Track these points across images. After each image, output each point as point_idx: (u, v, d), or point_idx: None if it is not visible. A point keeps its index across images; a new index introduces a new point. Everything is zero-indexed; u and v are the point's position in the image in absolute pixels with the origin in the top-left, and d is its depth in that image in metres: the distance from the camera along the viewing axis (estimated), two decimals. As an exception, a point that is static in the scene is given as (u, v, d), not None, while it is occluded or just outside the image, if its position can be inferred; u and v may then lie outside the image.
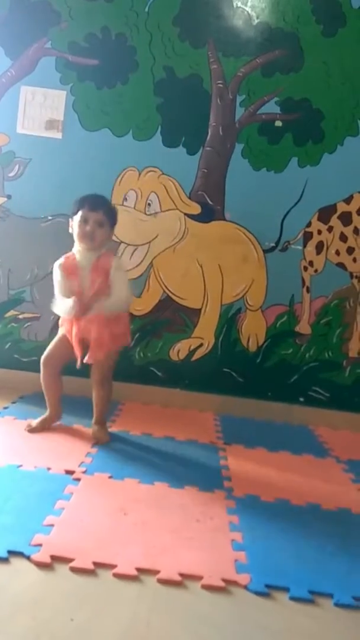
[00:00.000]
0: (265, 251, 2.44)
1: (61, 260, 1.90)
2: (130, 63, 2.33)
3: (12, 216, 2.41)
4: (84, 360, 1.86)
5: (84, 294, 1.85)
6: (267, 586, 1.21)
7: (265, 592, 1.20)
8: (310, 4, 2.29)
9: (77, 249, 1.89)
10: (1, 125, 2.37)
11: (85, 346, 1.87)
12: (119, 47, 2.32)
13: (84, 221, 1.84)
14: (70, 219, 1.90)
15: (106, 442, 1.91)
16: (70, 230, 1.90)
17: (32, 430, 1.93)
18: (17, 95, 2.35)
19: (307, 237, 2.43)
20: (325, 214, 2.42)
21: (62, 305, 1.85)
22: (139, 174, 2.39)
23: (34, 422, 1.96)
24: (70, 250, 1.92)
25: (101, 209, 1.85)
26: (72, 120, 2.35)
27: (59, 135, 2.37)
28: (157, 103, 2.35)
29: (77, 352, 1.87)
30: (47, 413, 1.99)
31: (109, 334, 1.86)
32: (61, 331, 1.96)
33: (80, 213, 1.84)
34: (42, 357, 1.96)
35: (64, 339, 1.93)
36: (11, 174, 2.40)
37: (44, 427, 1.95)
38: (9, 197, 2.40)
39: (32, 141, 2.37)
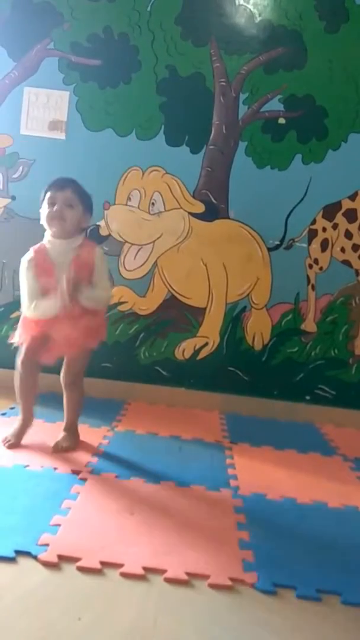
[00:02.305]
0: (269, 249, 2.43)
1: (30, 254, 1.71)
2: (133, 63, 2.33)
3: (16, 217, 2.41)
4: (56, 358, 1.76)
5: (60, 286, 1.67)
6: (275, 585, 1.21)
7: (273, 590, 1.20)
8: (313, 0, 2.28)
9: (48, 239, 1.72)
10: (5, 126, 2.38)
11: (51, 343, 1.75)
12: (122, 47, 2.32)
13: (51, 203, 1.67)
14: (40, 210, 1.73)
15: (69, 451, 1.78)
16: (41, 221, 1.72)
17: (12, 445, 1.78)
18: (21, 97, 2.36)
19: (312, 234, 2.43)
20: (330, 211, 2.41)
21: (42, 307, 1.68)
22: (143, 174, 2.39)
23: (9, 435, 1.81)
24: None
25: (69, 188, 1.68)
26: (76, 120, 2.36)
27: (62, 136, 2.37)
28: (160, 102, 2.35)
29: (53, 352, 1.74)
30: (21, 420, 1.83)
31: (82, 329, 1.71)
32: (17, 339, 1.81)
33: (47, 195, 1.69)
34: (20, 358, 1.79)
35: (33, 338, 1.77)
36: (15, 175, 2.40)
37: (22, 437, 1.82)
38: (13, 198, 2.41)
39: (36, 142, 2.38)
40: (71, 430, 1.87)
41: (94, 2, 2.30)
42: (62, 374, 1.85)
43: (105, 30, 2.32)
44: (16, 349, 2.46)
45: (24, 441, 1.83)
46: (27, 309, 1.72)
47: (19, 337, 1.79)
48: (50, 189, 1.70)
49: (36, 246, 1.74)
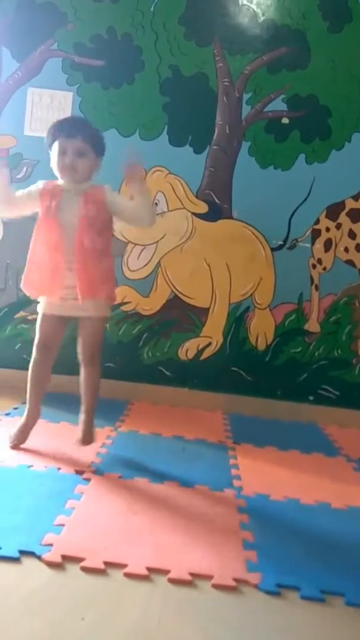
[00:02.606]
0: (273, 249, 2.43)
1: (43, 183, 1.69)
2: (136, 63, 2.33)
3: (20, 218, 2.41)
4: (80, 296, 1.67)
5: (66, 223, 1.65)
6: (278, 585, 1.21)
7: (276, 591, 1.19)
8: (316, 0, 2.28)
9: (60, 181, 1.69)
10: (9, 127, 2.38)
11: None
12: (125, 47, 2.32)
13: (62, 152, 1.61)
14: (49, 150, 1.68)
15: (90, 444, 1.76)
16: (50, 165, 1.68)
17: (16, 445, 1.75)
18: (25, 97, 2.36)
19: (316, 234, 2.42)
20: (333, 211, 2.41)
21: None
22: (146, 174, 2.39)
23: (13, 435, 1.77)
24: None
25: (80, 135, 1.60)
26: (79, 121, 2.36)
27: (66, 137, 2.37)
28: (163, 102, 2.35)
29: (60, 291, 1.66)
30: (25, 417, 1.79)
31: (99, 274, 1.67)
32: (41, 308, 1.76)
33: (56, 143, 1.62)
34: (36, 341, 1.76)
35: (47, 316, 1.74)
36: (19, 176, 2.41)
37: (26, 435, 1.78)
38: (17, 198, 2.41)
39: (40, 143, 2.34)
40: (89, 420, 1.79)
41: (98, 2, 2.31)
42: (79, 349, 1.78)
43: (109, 31, 2.32)
44: (20, 349, 2.48)
45: (28, 442, 1.82)
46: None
47: (28, 287, 1.75)
48: (60, 135, 1.61)
49: (52, 181, 1.69)
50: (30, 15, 2.32)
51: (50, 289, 1.71)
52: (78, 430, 1.79)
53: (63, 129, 1.63)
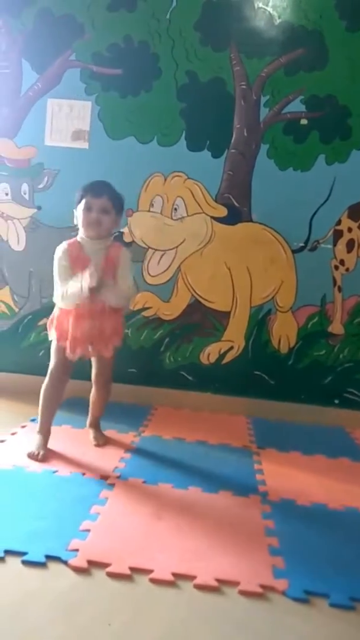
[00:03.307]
0: (294, 251, 2.40)
1: (64, 246, 1.79)
2: (153, 70, 2.35)
3: (42, 226, 2.46)
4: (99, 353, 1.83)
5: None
6: (306, 592, 1.19)
7: (305, 598, 1.17)
8: (333, 0, 2.26)
9: (81, 237, 1.79)
10: (30, 137, 2.42)
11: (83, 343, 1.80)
12: (142, 55, 2.34)
13: (88, 209, 1.75)
14: (74, 210, 1.80)
15: (106, 445, 1.94)
16: (74, 221, 1.81)
17: (44, 457, 1.77)
18: (44, 108, 2.40)
19: (337, 235, 2.39)
20: (355, 211, 2.37)
21: (72, 290, 1.71)
22: (165, 180, 2.40)
23: (35, 450, 1.79)
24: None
25: (105, 195, 1.76)
26: (98, 129, 2.39)
27: (85, 145, 2.40)
28: (180, 108, 2.36)
29: (82, 349, 1.79)
30: (41, 437, 1.84)
31: (108, 325, 1.80)
32: (54, 336, 1.84)
33: (83, 201, 1.76)
34: (51, 369, 1.84)
35: (62, 345, 1.81)
36: (40, 186, 2.45)
37: (47, 446, 1.83)
38: (39, 208, 2.46)
39: (60, 152, 2.42)
40: (98, 426, 2.01)
41: (114, 12, 2.33)
42: (94, 377, 1.95)
43: (126, 39, 2.35)
44: (43, 356, 2.50)
45: (53, 448, 1.85)
46: (59, 298, 1.80)
47: (53, 333, 1.85)
48: (87, 194, 1.77)
49: (70, 240, 1.81)
50: (49, 27, 2.36)
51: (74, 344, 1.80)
52: (91, 438, 1.97)
53: (91, 189, 1.78)
